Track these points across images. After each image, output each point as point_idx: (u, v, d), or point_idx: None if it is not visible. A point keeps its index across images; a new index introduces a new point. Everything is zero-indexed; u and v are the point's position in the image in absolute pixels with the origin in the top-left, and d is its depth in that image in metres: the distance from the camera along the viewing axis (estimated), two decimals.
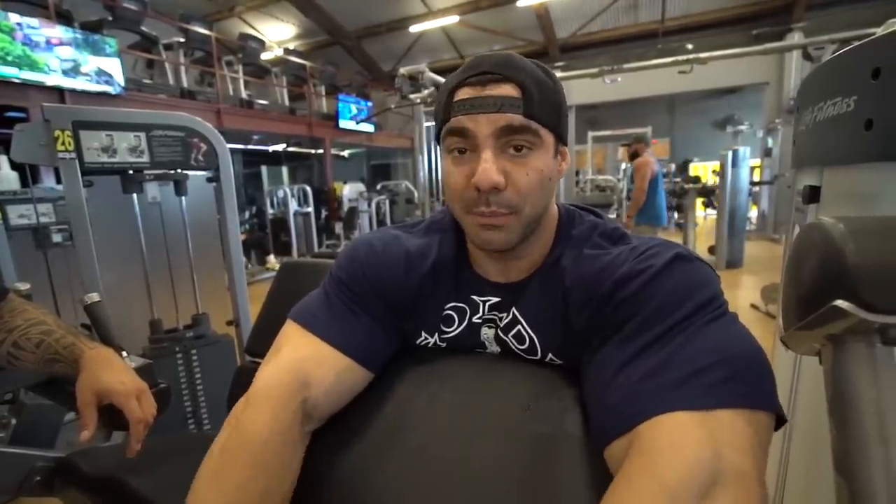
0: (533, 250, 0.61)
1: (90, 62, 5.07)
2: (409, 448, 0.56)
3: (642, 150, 4.37)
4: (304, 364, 0.58)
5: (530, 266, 0.62)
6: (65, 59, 4.86)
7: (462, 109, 0.53)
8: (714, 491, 0.37)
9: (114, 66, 5.30)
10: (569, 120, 0.61)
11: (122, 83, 5.42)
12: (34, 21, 4.59)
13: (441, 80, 3.97)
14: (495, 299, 0.62)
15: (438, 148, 0.61)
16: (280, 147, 11.19)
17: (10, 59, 4.48)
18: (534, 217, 0.56)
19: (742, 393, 0.42)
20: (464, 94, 0.54)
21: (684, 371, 0.43)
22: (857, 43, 0.68)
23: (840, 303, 0.36)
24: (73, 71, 4.98)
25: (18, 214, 2.38)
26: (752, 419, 0.41)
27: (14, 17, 4.44)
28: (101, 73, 5.22)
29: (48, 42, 4.70)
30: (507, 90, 0.52)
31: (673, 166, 11.24)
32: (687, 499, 0.37)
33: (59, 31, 4.77)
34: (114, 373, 0.76)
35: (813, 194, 0.80)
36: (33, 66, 4.69)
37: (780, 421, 0.44)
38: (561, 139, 0.57)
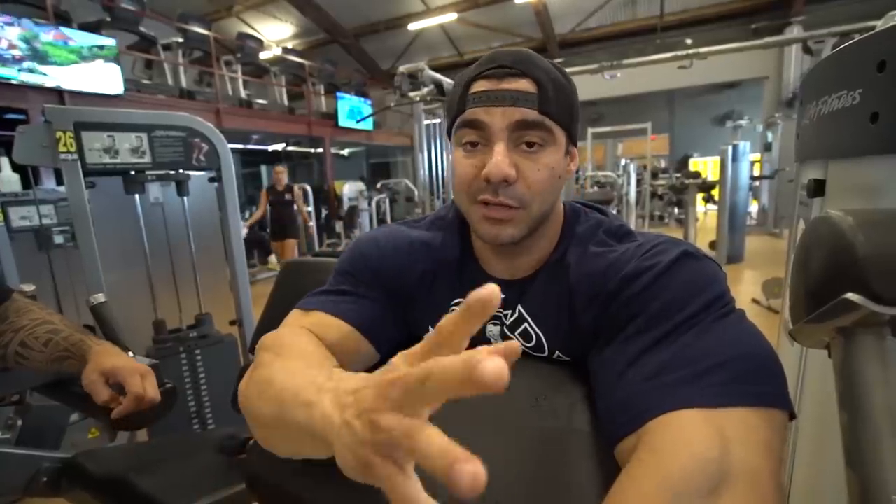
0: (538, 246, 0.61)
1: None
2: None
3: None
4: (310, 327, 0.59)
5: (535, 263, 0.61)
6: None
7: (477, 102, 0.53)
8: (721, 489, 0.36)
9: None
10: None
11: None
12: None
13: (440, 77, 3.96)
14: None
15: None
16: (279, 146, 11.18)
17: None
18: (542, 213, 0.56)
19: (753, 391, 0.41)
20: (480, 86, 0.54)
21: (693, 368, 0.42)
22: (860, 36, 0.68)
23: (851, 295, 0.36)
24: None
25: (20, 216, 2.38)
26: (764, 417, 0.40)
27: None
28: None
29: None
30: (524, 85, 0.52)
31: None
32: (691, 497, 0.36)
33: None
34: (121, 358, 0.79)
35: (818, 188, 0.80)
36: (31, 70, 4.74)
37: (789, 417, 0.44)
38: (572, 139, 0.57)
